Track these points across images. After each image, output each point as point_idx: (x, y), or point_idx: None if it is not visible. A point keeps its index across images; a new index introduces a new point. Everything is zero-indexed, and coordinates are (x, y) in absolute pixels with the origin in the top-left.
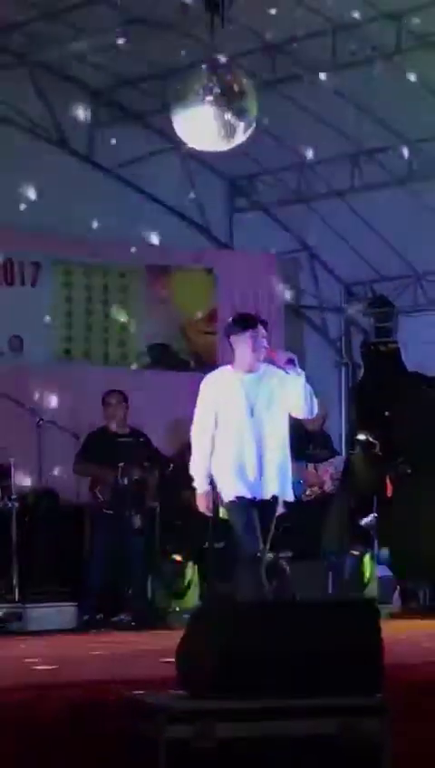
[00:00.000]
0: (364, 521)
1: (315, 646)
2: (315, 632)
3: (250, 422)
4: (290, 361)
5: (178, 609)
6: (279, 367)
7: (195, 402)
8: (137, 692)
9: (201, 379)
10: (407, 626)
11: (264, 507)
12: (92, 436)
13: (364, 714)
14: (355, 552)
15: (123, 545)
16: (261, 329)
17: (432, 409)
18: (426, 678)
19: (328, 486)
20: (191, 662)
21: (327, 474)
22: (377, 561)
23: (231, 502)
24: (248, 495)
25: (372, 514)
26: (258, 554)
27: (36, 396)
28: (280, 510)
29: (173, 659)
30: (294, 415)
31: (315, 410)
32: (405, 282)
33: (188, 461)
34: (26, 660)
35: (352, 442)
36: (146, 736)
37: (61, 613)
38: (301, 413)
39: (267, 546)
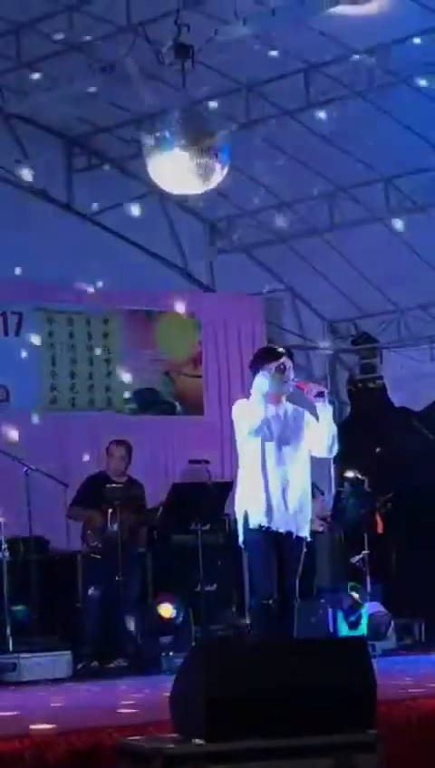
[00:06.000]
0: (355, 558)
1: (307, 684)
2: (307, 671)
3: (277, 458)
4: (320, 394)
5: (171, 653)
6: (308, 398)
7: (183, 445)
8: (133, 737)
9: (188, 422)
10: (402, 662)
11: (285, 542)
12: (90, 480)
13: (359, 750)
14: (349, 591)
15: (115, 591)
16: (286, 360)
17: (420, 444)
18: (420, 714)
19: (316, 525)
20: (184, 705)
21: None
22: (370, 597)
23: (253, 531)
24: (268, 525)
25: (364, 551)
26: (270, 602)
27: (23, 445)
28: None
29: (167, 703)
30: (314, 453)
31: (335, 450)
32: (388, 317)
33: (177, 506)
34: (23, 710)
35: (340, 479)
36: None
37: (55, 662)
38: (322, 451)
39: (295, 584)
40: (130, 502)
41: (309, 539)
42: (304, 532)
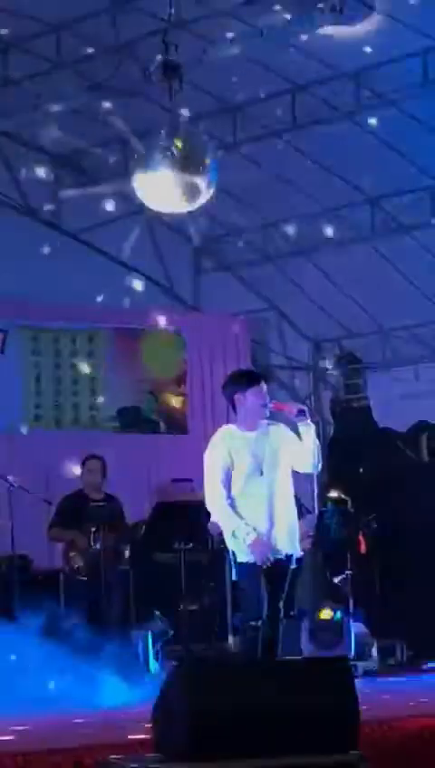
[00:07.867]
0: (338, 578)
1: (290, 704)
2: (289, 691)
3: (259, 482)
4: (301, 412)
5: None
6: (290, 419)
7: (167, 464)
8: (114, 756)
9: (172, 441)
10: (384, 682)
11: (276, 567)
12: (67, 500)
13: None
14: (330, 611)
15: (100, 610)
16: (263, 384)
17: (404, 465)
18: (403, 734)
19: (305, 544)
20: (166, 724)
21: None
22: (353, 617)
23: (243, 564)
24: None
25: (347, 571)
26: (259, 623)
27: (7, 462)
28: (292, 566)
29: (149, 722)
30: (298, 469)
31: (320, 466)
32: (373, 338)
33: (160, 524)
34: (5, 728)
35: (324, 499)
36: None
37: None
38: (307, 468)
39: (281, 606)
40: (113, 520)
41: (301, 554)
42: (298, 552)
